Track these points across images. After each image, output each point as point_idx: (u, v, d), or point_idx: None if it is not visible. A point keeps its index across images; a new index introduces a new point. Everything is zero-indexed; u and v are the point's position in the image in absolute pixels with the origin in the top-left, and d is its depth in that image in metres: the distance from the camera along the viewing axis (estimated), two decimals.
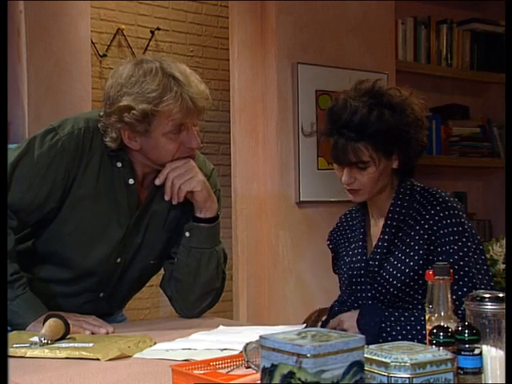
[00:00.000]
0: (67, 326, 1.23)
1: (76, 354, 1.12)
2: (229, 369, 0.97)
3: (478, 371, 0.83)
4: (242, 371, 0.96)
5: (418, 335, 1.26)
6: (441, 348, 0.81)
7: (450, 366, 0.76)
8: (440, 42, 3.27)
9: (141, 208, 1.43)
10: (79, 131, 1.36)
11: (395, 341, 1.28)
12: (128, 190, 1.41)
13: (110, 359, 1.10)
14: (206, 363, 0.96)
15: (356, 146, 1.33)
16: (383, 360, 0.75)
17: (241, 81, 2.82)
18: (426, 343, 0.87)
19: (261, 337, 0.73)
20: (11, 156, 1.34)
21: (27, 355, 1.13)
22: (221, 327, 1.32)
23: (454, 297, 1.25)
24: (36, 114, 2.45)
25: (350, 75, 2.70)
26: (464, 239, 1.33)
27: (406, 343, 0.81)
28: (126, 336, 1.26)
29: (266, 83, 2.82)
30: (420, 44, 3.21)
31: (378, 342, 1.29)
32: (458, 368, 0.82)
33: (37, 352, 1.14)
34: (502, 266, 2.59)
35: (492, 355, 0.86)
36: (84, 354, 1.12)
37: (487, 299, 0.88)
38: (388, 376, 0.74)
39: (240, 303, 2.79)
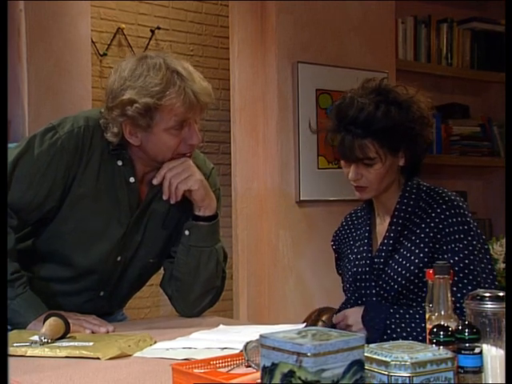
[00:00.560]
0: (67, 325, 1.23)
1: (76, 353, 1.12)
2: (229, 368, 0.97)
3: (478, 370, 0.83)
4: (242, 370, 0.96)
5: (422, 333, 1.26)
6: (441, 347, 0.81)
7: (450, 364, 0.76)
8: (440, 41, 3.27)
9: (141, 206, 1.43)
10: (79, 129, 1.36)
11: (400, 338, 1.29)
12: (129, 189, 1.41)
13: (110, 358, 1.10)
14: (207, 362, 0.96)
15: (362, 143, 1.33)
16: (383, 359, 0.75)
17: (241, 80, 2.81)
18: None
19: (261, 336, 0.73)
20: (11, 155, 1.34)
21: (27, 354, 1.13)
22: (221, 326, 1.32)
23: (459, 295, 1.25)
24: (36, 113, 2.45)
25: (352, 75, 2.71)
26: (469, 238, 1.34)
27: (406, 342, 0.81)
28: (126, 335, 1.26)
29: (267, 82, 2.82)
30: (420, 43, 3.21)
31: (383, 339, 1.30)
32: (458, 367, 0.82)
33: (37, 351, 1.14)
34: (503, 266, 2.59)
35: (492, 354, 0.86)
36: (84, 353, 1.12)
37: (487, 298, 0.88)
38: (388, 375, 0.74)
39: (240, 302, 2.79)
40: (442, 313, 0.94)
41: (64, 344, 1.17)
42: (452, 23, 3.30)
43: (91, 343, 1.17)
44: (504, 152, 3.44)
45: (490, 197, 3.51)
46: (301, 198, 2.81)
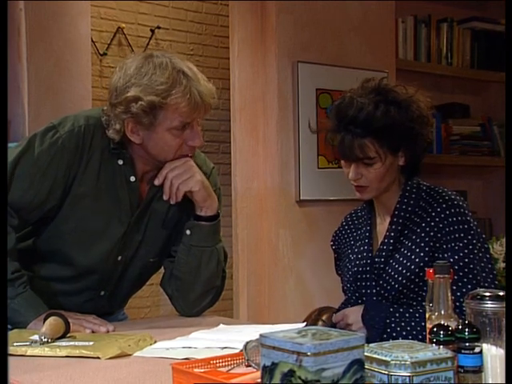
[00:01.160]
0: (67, 324, 1.23)
1: (76, 352, 1.12)
2: (229, 367, 0.97)
3: (478, 370, 0.83)
4: (242, 370, 0.96)
5: (422, 331, 1.26)
6: (441, 346, 0.81)
7: (450, 364, 0.76)
8: (440, 40, 3.27)
9: (142, 205, 1.43)
10: (79, 129, 1.36)
11: (399, 336, 1.29)
12: (129, 188, 1.41)
13: (110, 358, 1.10)
14: (207, 362, 0.96)
15: (362, 142, 1.34)
16: (383, 358, 0.75)
17: (241, 79, 2.81)
18: None
19: (261, 335, 0.73)
20: (12, 154, 1.34)
21: (27, 354, 1.13)
22: (221, 326, 1.32)
23: (458, 294, 1.26)
24: (36, 113, 2.45)
25: (352, 75, 2.71)
26: (469, 237, 1.34)
27: (406, 342, 0.81)
28: (127, 334, 1.25)
29: (267, 82, 2.82)
30: (420, 43, 3.20)
31: (383, 338, 1.30)
32: (458, 366, 0.82)
33: (37, 350, 1.14)
34: (503, 265, 2.59)
35: (492, 354, 0.86)
36: (84, 352, 1.12)
37: (487, 298, 0.88)
38: (388, 374, 0.74)
39: (240, 302, 2.79)
40: (442, 312, 0.94)
41: (64, 343, 1.17)
42: (452, 23, 3.30)
43: (91, 343, 1.17)
44: (504, 151, 3.44)
45: (490, 196, 3.51)
46: (301, 198, 2.81)
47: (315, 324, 1.55)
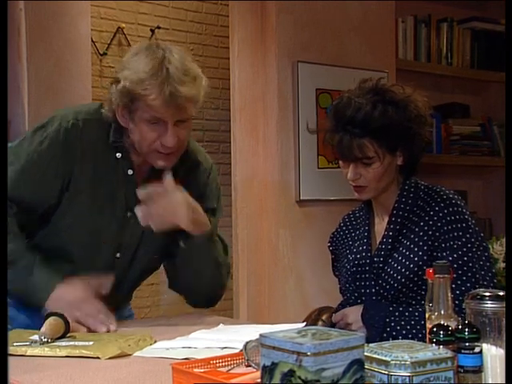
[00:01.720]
0: (67, 324, 1.23)
1: (76, 352, 1.12)
2: (229, 367, 0.97)
3: (478, 370, 0.83)
4: (242, 370, 0.96)
5: (422, 330, 1.26)
6: (441, 346, 0.81)
7: (450, 364, 0.76)
8: (440, 40, 3.27)
9: (138, 199, 1.41)
10: (67, 124, 1.37)
11: (399, 336, 1.29)
12: (127, 181, 1.40)
13: (110, 357, 1.10)
14: (207, 361, 0.96)
15: (361, 142, 1.34)
16: (383, 358, 0.75)
17: (241, 79, 2.81)
18: None
19: (261, 335, 0.73)
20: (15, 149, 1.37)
21: (27, 354, 1.13)
22: (221, 326, 1.32)
23: (457, 292, 1.26)
24: (36, 113, 2.45)
25: (352, 74, 2.71)
26: (467, 235, 1.34)
27: (406, 341, 0.81)
28: (126, 334, 1.25)
29: (267, 82, 2.81)
30: (420, 42, 3.20)
31: (382, 337, 1.30)
32: (458, 366, 0.82)
33: (37, 350, 1.14)
34: (503, 265, 2.59)
35: (492, 354, 0.86)
36: (84, 352, 1.12)
37: (487, 298, 0.88)
38: (388, 374, 0.74)
39: (240, 302, 2.79)
40: (442, 312, 0.94)
41: (64, 343, 1.17)
42: (452, 23, 3.30)
43: (91, 342, 1.17)
44: (504, 151, 3.44)
45: (490, 196, 3.51)
46: (301, 198, 2.80)
47: (315, 324, 1.55)
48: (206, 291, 1.46)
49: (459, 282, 1.30)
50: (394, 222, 1.39)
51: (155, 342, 1.22)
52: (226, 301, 3.95)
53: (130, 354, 1.13)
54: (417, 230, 1.37)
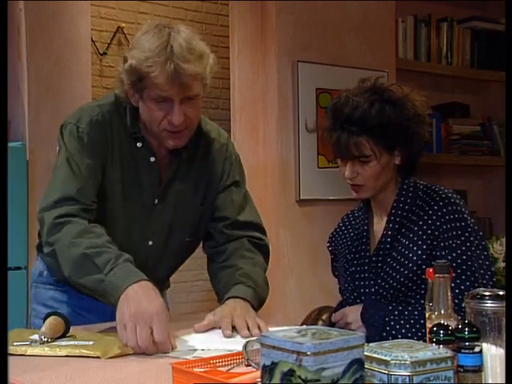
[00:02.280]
0: (67, 324, 1.24)
1: (76, 352, 1.12)
2: (229, 367, 0.97)
3: (478, 369, 0.83)
4: (242, 369, 0.96)
5: (421, 329, 1.26)
6: (441, 346, 0.81)
7: (450, 363, 0.76)
8: (440, 40, 3.27)
9: (163, 186, 1.42)
10: (98, 117, 1.39)
11: (399, 334, 1.29)
12: (151, 169, 1.41)
13: (110, 357, 1.10)
14: (207, 361, 0.96)
15: (358, 140, 1.34)
16: (383, 358, 0.75)
17: (241, 79, 2.81)
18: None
19: (261, 335, 0.73)
20: (55, 169, 1.39)
21: (27, 353, 1.13)
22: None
23: (457, 291, 1.26)
24: (36, 113, 2.45)
25: (352, 74, 2.71)
26: (466, 234, 1.34)
27: (405, 341, 0.81)
28: None
29: (267, 81, 2.81)
30: (420, 42, 3.20)
31: (382, 336, 1.30)
32: (458, 366, 0.82)
33: (37, 350, 1.14)
34: (502, 265, 2.59)
35: (492, 353, 0.86)
36: (84, 352, 1.12)
37: (487, 297, 0.88)
38: (388, 374, 0.74)
39: None
40: (442, 312, 0.94)
41: (64, 343, 1.17)
42: (452, 22, 3.30)
43: (91, 342, 1.17)
44: (504, 151, 3.44)
45: (490, 196, 3.51)
46: (301, 197, 2.81)
47: (315, 324, 1.55)
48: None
49: (458, 281, 1.30)
50: (393, 222, 1.39)
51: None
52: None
53: (130, 354, 1.13)
54: (416, 229, 1.38)
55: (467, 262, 1.33)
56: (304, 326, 0.77)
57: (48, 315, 1.24)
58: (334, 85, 2.81)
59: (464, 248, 1.33)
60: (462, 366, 0.82)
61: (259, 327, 1.24)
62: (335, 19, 2.92)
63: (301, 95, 2.80)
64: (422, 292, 1.33)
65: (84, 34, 2.56)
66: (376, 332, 1.31)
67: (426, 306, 0.97)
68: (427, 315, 0.97)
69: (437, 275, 0.95)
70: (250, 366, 0.97)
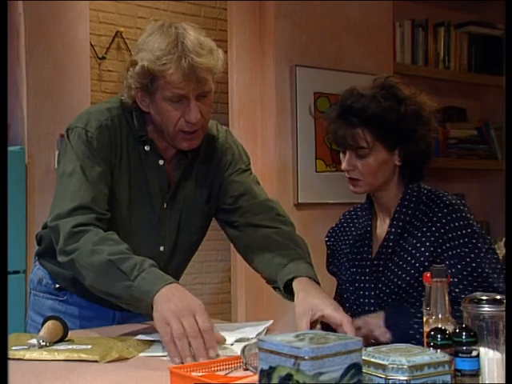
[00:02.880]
0: (66, 328, 1.24)
1: (74, 356, 1.12)
2: (227, 371, 0.98)
3: (476, 373, 0.83)
4: (240, 373, 0.96)
5: None
6: (438, 350, 0.82)
7: (447, 368, 0.77)
8: (438, 44, 3.28)
9: (172, 188, 1.41)
10: (107, 122, 1.36)
11: (423, 337, 1.27)
12: (159, 172, 1.40)
13: (109, 361, 1.10)
14: (205, 365, 0.96)
15: (354, 131, 1.34)
16: (381, 362, 0.75)
17: (239, 83, 2.82)
18: None
19: (259, 339, 0.73)
20: (60, 173, 1.35)
21: (26, 357, 1.13)
22: None
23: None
24: (35, 117, 2.45)
25: (350, 78, 2.71)
26: (473, 241, 1.33)
27: (403, 345, 0.82)
28: (125, 338, 1.26)
29: (265, 85, 2.82)
30: (418, 46, 3.22)
31: (408, 340, 1.27)
32: (456, 370, 0.82)
33: (35, 354, 1.14)
34: None
35: (489, 357, 0.86)
36: (82, 356, 1.12)
37: (484, 301, 0.88)
38: (386, 378, 0.75)
39: (238, 305, 2.79)
40: (440, 316, 0.94)
41: (62, 347, 1.17)
42: (449, 27, 3.32)
43: (89, 346, 1.17)
44: (501, 155, 3.45)
45: (488, 199, 3.52)
46: (299, 201, 2.81)
47: (314, 328, 1.55)
48: None
49: (470, 289, 1.29)
50: (396, 226, 1.39)
51: (152, 343, 1.22)
52: (223, 304, 3.96)
53: (128, 358, 1.13)
54: (419, 235, 1.37)
55: (477, 268, 1.32)
56: (302, 331, 0.77)
57: (46, 319, 1.24)
58: (331, 89, 2.82)
59: (473, 255, 1.32)
60: (459, 370, 0.83)
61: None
62: (333, 24, 2.93)
63: (299, 99, 2.81)
64: (422, 299, 1.32)
65: (83, 38, 2.57)
66: (402, 336, 1.28)
67: (424, 310, 0.98)
68: (425, 319, 0.97)
69: (434, 279, 0.95)
70: (248, 370, 0.97)
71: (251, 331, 1.26)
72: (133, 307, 1.23)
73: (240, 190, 1.44)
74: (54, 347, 1.17)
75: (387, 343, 1.20)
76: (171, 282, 1.18)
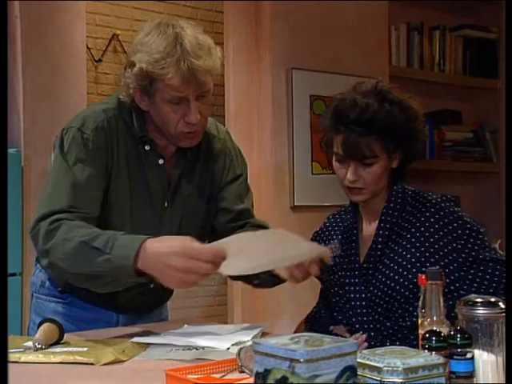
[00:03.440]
0: (61, 330, 1.23)
1: (70, 358, 1.12)
2: (223, 373, 0.98)
3: (470, 375, 0.84)
4: (235, 376, 0.97)
5: None
6: (433, 352, 0.82)
7: (442, 370, 0.77)
8: (433, 47, 3.30)
9: (172, 187, 1.41)
10: (103, 123, 1.35)
11: None
12: (159, 171, 1.39)
13: (105, 364, 1.10)
14: (200, 368, 0.96)
15: (368, 140, 1.33)
16: (376, 365, 0.76)
17: (235, 86, 2.83)
18: None
19: (254, 342, 0.73)
20: (50, 173, 1.35)
21: (21, 360, 1.13)
22: (186, 326, 1.34)
23: (491, 290, 1.26)
24: (31, 119, 2.45)
25: (345, 81, 2.72)
26: (467, 231, 1.34)
27: (398, 348, 0.82)
28: (121, 340, 1.26)
29: (261, 88, 2.83)
30: (413, 49, 3.23)
31: None
32: (450, 372, 0.83)
33: (31, 357, 1.13)
34: None
35: (484, 359, 0.87)
36: (78, 358, 1.12)
37: (479, 304, 0.89)
38: (381, 381, 0.75)
39: (235, 307, 2.79)
40: (435, 318, 0.95)
41: (58, 349, 1.17)
42: (444, 30, 3.33)
43: (85, 348, 1.17)
44: (496, 157, 3.47)
45: (483, 202, 3.53)
46: (295, 204, 2.81)
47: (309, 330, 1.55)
48: None
49: (480, 274, 1.30)
50: (383, 228, 1.39)
51: (148, 346, 1.22)
52: (220, 306, 3.96)
53: (124, 360, 1.13)
54: (408, 236, 1.38)
55: (479, 255, 1.32)
56: (297, 334, 0.78)
57: (42, 322, 1.24)
58: (328, 92, 2.82)
59: (470, 245, 1.33)
60: (454, 373, 0.83)
61: None
62: (329, 27, 2.94)
63: (295, 102, 2.81)
64: (415, 303, 1.32)
65: (79, 40, 2.57)
66: None
67: (419, 313, 0.98)
68: (420, 321, 0.97)
69: (429, 282, 0.96)
70: (243, 372, 0.97)
71: (247, 334, 1.27)
72: (119, 276, 1.21)
73: (226, 203, 1.46)
74: (50, 350, 1.17)
75: None
76: (146, 239, 1.18)
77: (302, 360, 0.67)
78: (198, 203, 1.45)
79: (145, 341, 1.22)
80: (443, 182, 3.39)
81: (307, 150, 2.84)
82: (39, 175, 2.46)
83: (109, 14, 3.60)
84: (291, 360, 0.68)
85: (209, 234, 1.50)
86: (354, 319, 1.39)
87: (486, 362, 0.87)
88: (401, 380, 0.74)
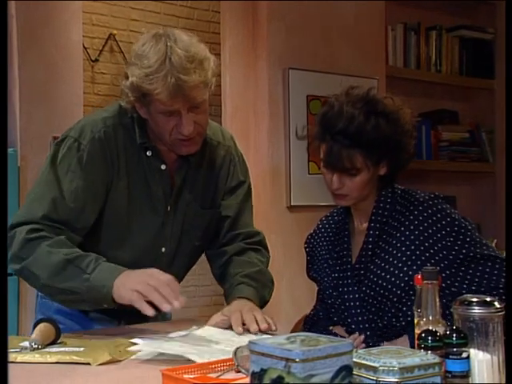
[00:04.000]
0: (58, 330, 1.23)
1: (67, 358, 1.12)
2: (219, 373, 0.98)
3: (466, 375, 0.84)
4: (232, 375, 0.97)
5: None
6: (429, 352, 0.82)
7: (437, 369, 0.77)
8: (429, 48, 3.31)
9: (175, 192, 1.42)
10: (100, 134, 1.36)
11: None
12: (161, 177, 1.40)
13: (101, 364, 1.10)
14: (197, 367, 0.96)
15: (351, 153, 1.33)
16: (371, 364, 0.76)
17: (232, 86, 2.83)
18: None
19: (250, 342, 0.74)
20: (39, 181, 1.37)
21: (17, 360, 1.13)
22: (194, 328, 1.34)
23: (492, 284, 1.26)
24: (28, 119, 2.45)
25: (341, 80, 2.73)
26: (455, 228, 1.34)
27: (394, 347, 0.82)
28: (117, 340, 1.26)
29: (258, 88, 2.83)
30: (410, 50, 3.24)
31: None
32: (446, 372, 0.83)
33: (27, 357, 1.13)
34: None
35: (479, 359, 0.87)
36: (75, 358, 1.12)
37: (475, 303, 0.89)
38: (376, 380, 0.75)
39: None
40: (430, 318, 0.95)
41: (54, 349, 1.17)
42: (441, 30, 3.34)
43: (82, 348, 1.17)
44: (493, 157, 3.47)
45: (479, 202, 3.54)
46: (292, 203, 2.82)
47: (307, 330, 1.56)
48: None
49: (488, 271, 1.29)
50: (374, 228, 1.40)
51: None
52: (216, 306, 3.95)
53: (120, 360, 1.13)
54: (398, 235, 1.38)
55: (469, 252, 1.32)
56: (293, 333, 0.78)
57: (38, 322, 1.24)
58: (324, 92, 2.81)
59: (459, 242, 1.33)
60: (449, 372, 0.83)
61: (268, 322, 1.29)
62: (326, 27, 2.94)
63: (292, 102, 2.81)
64: (409, 303, 1.33)
65: (76, 40, 2.57)
66: None
67: (415, 312, 0.98)
68: (415, 321, 0.98)
69: (425, 281, 0.96)
70: (239, 372, 0.97)
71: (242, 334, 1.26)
72: (92, 298, 1.27)
73: (227, 211, 1.49)
74: (46, 350, 1.17)
75: None
76: (125, 270, 1.25)
77: (297, 360, 0.67)
78: (201, 208, 1.47)
79: (142, 341, 1.21)
80: (439, 182, 3.40)
81: (304, 149, 2.84)
82: (36, 175, 2.45)
83: (105, 13, 3.60)
84: (287, 360, 0.68)
85: (211, 240, 1.51)
86: (349, 320, 1.40)
87: (481, 361, 0.87)
88: (396, 379, 0.75)
